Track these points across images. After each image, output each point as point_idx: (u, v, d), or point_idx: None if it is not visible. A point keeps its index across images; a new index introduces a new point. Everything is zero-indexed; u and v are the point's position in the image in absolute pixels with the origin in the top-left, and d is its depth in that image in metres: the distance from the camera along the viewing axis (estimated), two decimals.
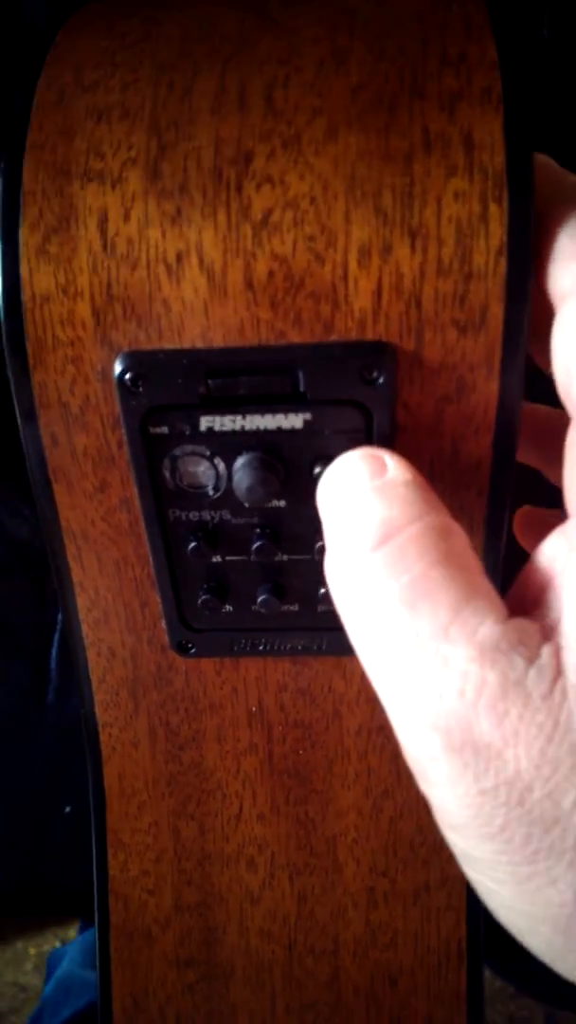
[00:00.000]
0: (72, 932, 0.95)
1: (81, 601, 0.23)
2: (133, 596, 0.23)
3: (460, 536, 0.15)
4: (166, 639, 0.24)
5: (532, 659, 0.14)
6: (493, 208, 0.16)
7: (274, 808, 0.27)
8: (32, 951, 1.02)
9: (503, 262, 0.17)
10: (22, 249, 0.18)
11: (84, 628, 0.24)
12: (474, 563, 0.15)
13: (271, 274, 0.17)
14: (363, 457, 0.17)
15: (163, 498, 0.20)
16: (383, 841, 0.26)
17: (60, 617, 0.56)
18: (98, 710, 0.26)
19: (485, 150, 0.17)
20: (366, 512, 0.16)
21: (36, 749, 0.55)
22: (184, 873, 0.28)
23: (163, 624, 0.23)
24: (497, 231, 0.16)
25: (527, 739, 0.13)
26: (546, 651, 0.14)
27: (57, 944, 1.00)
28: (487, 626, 0.14)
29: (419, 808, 0.26)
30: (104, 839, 0.28)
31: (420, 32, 0.18)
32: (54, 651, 0.55)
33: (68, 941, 0.94)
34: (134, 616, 0.23)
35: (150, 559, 0.22)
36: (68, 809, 0.57)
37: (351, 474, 0.16)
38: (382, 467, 0.16)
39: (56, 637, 0.55)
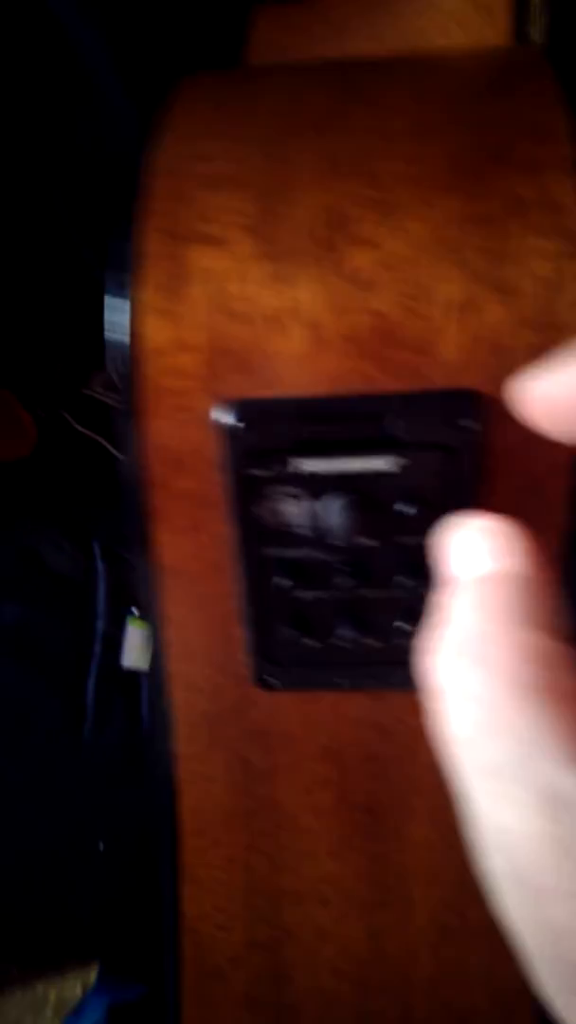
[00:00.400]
0: (93, 976, 0.94)
1: (168, 635, 0.24)
2: (218, 630, 0.24)
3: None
4: (246, 673, 0.25)
5: None
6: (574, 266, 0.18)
7: (346, 843, 0.27)
8: (52, 995, 1.01)
9: None
10: (139, 306, 0.19)
11: (168, 661, 0.25)
12: None
13: (368, 328, 0.19)
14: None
15: (256, 536, 0.22)
16: (455, 877, 0.26)
17: (97, 649, 0.57)
18: (176, 743, 0.26)
19: (568, 214, 0.18)
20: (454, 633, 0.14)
21: (70, 785, 0.55)
22: (256, 909, 0.28)
23: (244, 658, 0.24)
24: None
25: None
26: None
27: (78, 990, 0.98)
28: None
29: None
30: (176, 874, 0.28)
31: (500, 102, 0.19)
32: (91, 683, 0.55)
33: (89, 986, 0.93)
34: (217, 650, 0.24)
35: (237, 594, 0.23)
36: (102, 847, 0.57)
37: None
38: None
39: (93, 668, 0.56)
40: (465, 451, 0.19)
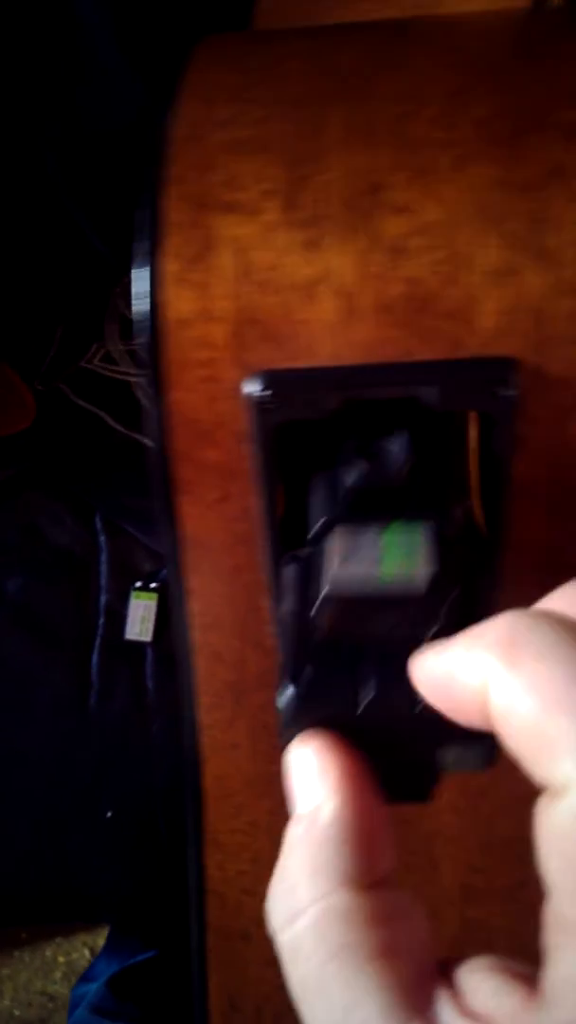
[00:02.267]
0: (101, 940, 0.96)
1: (194, 607, 0.24)
2: (244, 601, 0.24)
3: (363, 916, 0.13)
4: (271, 643, 0.25)
5: None
6: None
7: None
8: (61, 959, 1.03)
9: None
10: (164, 276, 0.19)
11: (193, 633, 0.25)
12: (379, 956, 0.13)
13: (403, 296, 0.18)
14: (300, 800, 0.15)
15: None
16: (479, 839, 0.27)
17: (101, 622, 0.57)
18: (200, 712, 0.27)
19: None
20: (281, 875, 0.14)
21: (77, 754, 0.56)
22: None
23: (270, 628, 0.24)
24: None
25: None
26: None
27: (87, 953, 1.01)
28: None
29: (515, 806, 0.27)
30: (201, 840, 0.29)
31: (536, 67, 0.19)
32: (95, 656, 0.56)
33: (97, 950, 0.95)
34: (243, 621, 0.24)
35: (264, 566, 0.23)
36: (109, 814, 0.58)
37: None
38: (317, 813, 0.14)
39: (98, 642, 0.56)
40: (502, 419, 0.19)
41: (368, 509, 0.17)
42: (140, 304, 0.19)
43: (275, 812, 0.28)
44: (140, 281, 0.19)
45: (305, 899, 0.14)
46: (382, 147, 0.19)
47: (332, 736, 0.16)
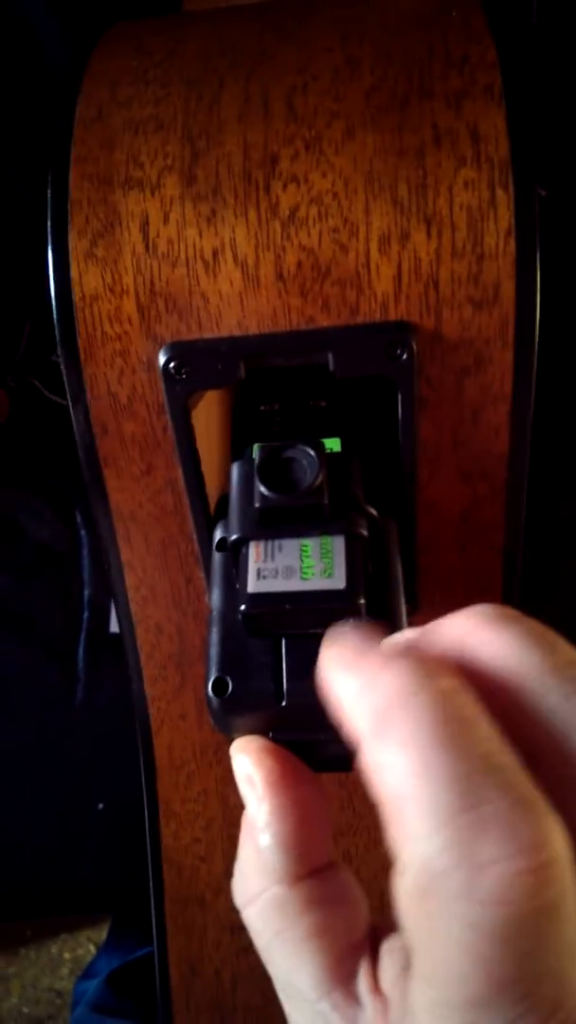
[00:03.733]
0: (105, 935, 0.97)
1: (130, 580, 0.25)
2: (178, 573, 0.25)
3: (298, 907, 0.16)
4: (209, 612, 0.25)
5: None
6: (500, 194, 0.18)
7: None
8: (67, 955, 1.03)
9: (512, 242, 0.18)
10: (71, 253, 0.19)
11: (132, 606, 0.25)
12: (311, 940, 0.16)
13: (300, 265, 0.19)
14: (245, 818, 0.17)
15: (205, 477, 0.22)
16: None
17: (85, 616, 0.58)
18: (147, 685, 0.27)
19: (491, 142, 0.18)
20: (237, 866, 0.17)
21: (67, 748, 0.57)
22: (234, 839, 0.29)
23: (207, 598, 0.25)
24: (505, 215, 0.18)
25: None
26: None
27: (92, 948, 1.01)
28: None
29: None
30: (156, 810, 0.29)
31: (425, 36, 0.19)
32: (81, 650, 0.56)
33: (101, 944, 0.95)
34: (179, 592, 0.25)
35: (194, 536, 0.23)
36: (101, 807, 0.59)
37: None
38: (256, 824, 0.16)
39: (83, 636, 0.57)
40: (402, 382, 0.20)
41: (280, 522, 0.18)
42: (54, 282, 0.20)
43: (224, 780, 0.29)
44: (50, 259, 0.20)
45: (253, 890, 0.16)
46: (276, 120, 0.19)
47: (262, 743, 0.17)
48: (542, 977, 0.12)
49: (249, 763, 0.17)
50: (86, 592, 0.57)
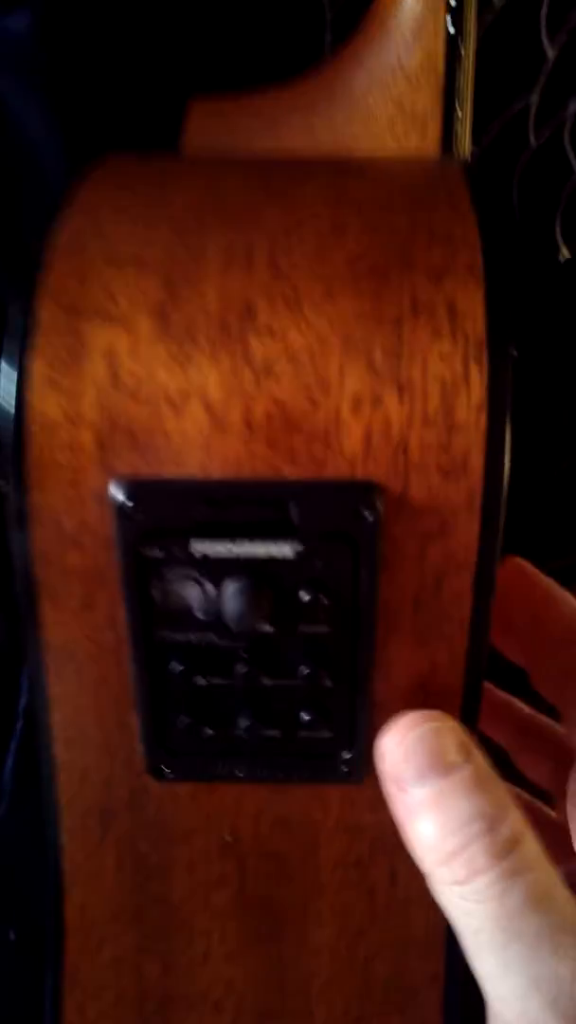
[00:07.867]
0: None
1: (56, 718, 0.23)
2: (111, 716, 0.23)
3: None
4: (141, 762, 0.23)
5: None
6: (474, 369, 0.18)
7: (244, 946, 0.25)
8: None
9: (483, 417, 0.18)
10: (32, 378, 0.19)
11: (56, 747, 0.23)
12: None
13: (269, 416, 0.18)
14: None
15: (151, 619, 0.21)
16: (357, 984, 0.25)
17: (18, 727, 0.54)
18: (63, 836, 0.25)
19: (468, 318, 0.18)
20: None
21: None
22: (144, 1015, 0.26)
23: (139, 746, 0.23)
24: (478, 390, 0.18)
25: None
26: None
27: None
28: None
29: (394, 949, 0.25)
30: (60, 977, 0.26)
31: (412, 211, 0.20)
32: (10, 761, 0.52)
33: None
34: (110, 737, 0.23)
35: (131, 679, 0.22)
36: (13, 936, 0.53)
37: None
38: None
39: (13, 746, 0.53)
40: (364, 541, 0.19)
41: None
42: (6, 403, 0.19)
43: (143, 948, 0.26)
44: (6, 380, 0.19)
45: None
46: (258, 274, 0.19)
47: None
48: None
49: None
50: (21, 700, 0.54)
